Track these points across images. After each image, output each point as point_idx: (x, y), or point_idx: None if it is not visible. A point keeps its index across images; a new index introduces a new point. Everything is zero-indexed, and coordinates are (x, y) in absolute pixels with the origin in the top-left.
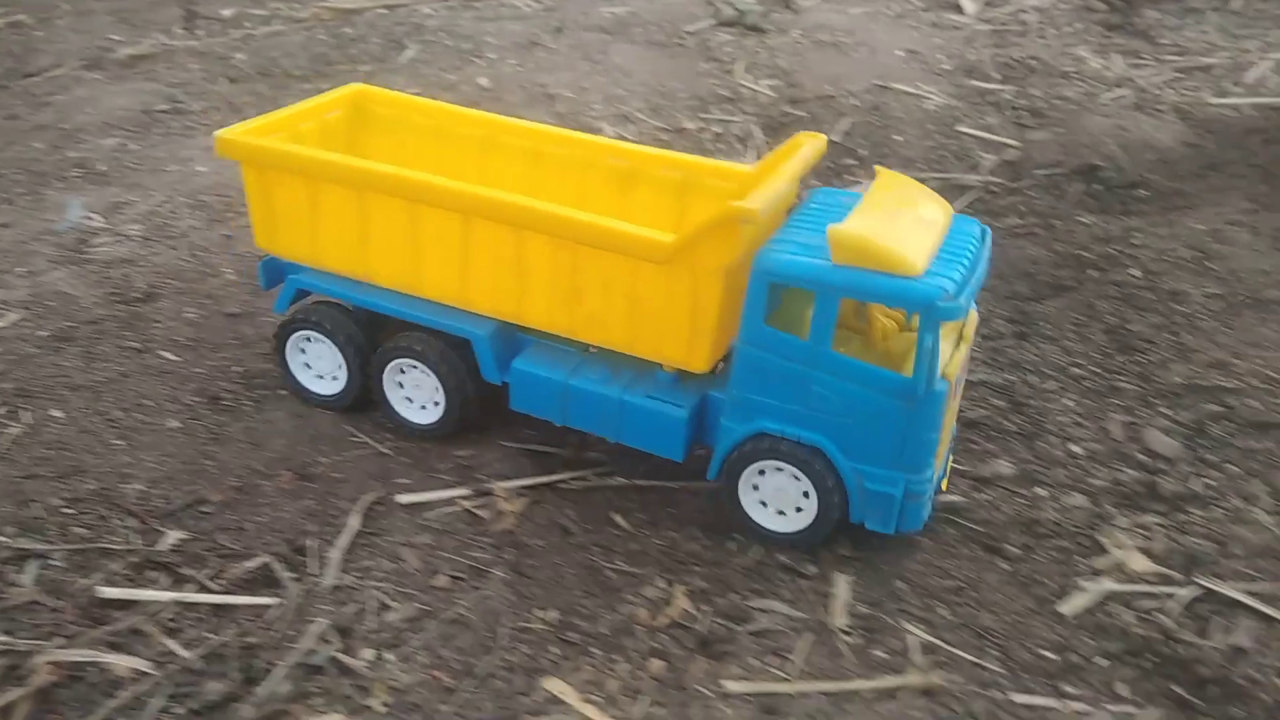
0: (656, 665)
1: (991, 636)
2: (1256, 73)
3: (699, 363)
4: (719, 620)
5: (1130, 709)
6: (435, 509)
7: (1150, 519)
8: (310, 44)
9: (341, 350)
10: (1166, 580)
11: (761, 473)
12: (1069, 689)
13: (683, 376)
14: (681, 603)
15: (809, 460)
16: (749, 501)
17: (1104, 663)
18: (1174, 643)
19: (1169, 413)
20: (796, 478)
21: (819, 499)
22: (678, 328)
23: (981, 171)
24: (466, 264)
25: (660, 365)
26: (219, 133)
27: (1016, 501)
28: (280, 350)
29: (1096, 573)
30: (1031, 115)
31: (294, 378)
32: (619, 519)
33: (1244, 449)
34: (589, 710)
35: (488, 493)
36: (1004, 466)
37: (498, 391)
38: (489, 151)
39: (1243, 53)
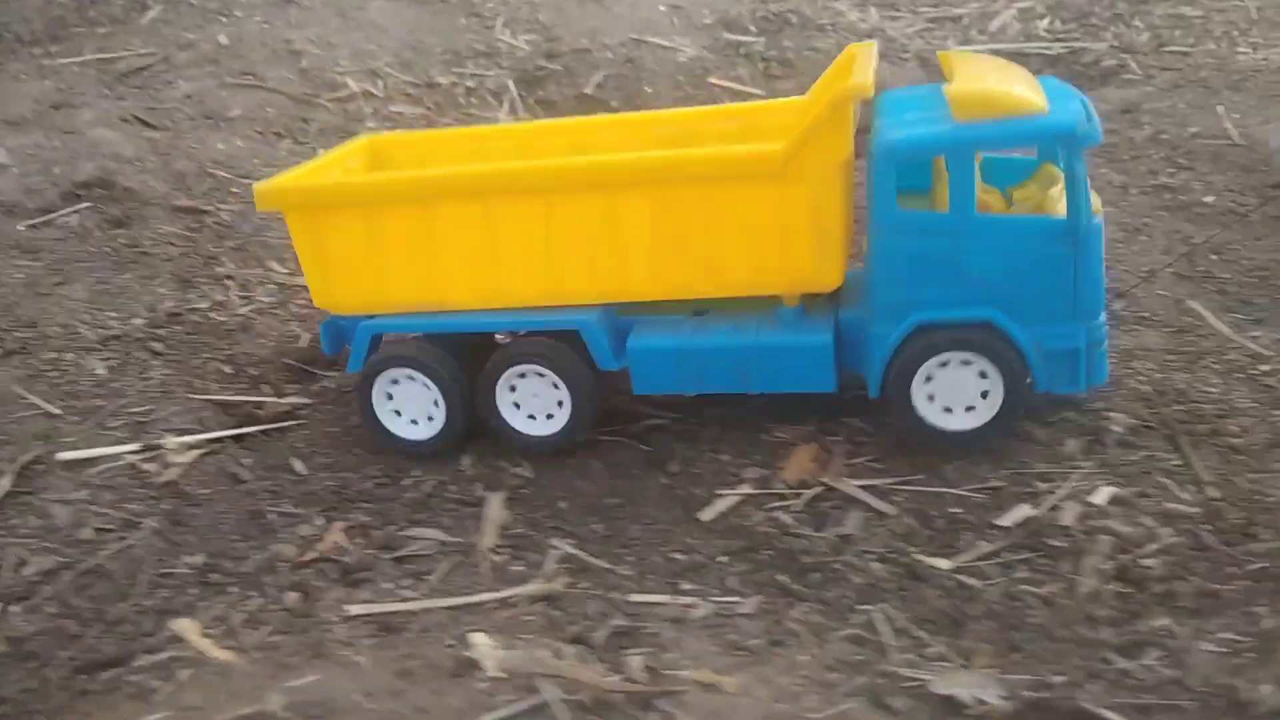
0: (292, 597)
1: (634, 545)
2: (999, 21)
3: (832, 277)
4: (369, 551)
5: (735, 598)
6: (99, 465)
7: (809, 427)
8: (48, 7)
9: (438, 382)
10: (801, 483)
11: (929, 377)
12: (686, 585)
13: (807, 306)
14: (335, 538)
15: (983, 339)
16: (926, 410)
17: (724, 560)
18: (789, 537)
19: None
20: (970, 363)
21: (1003, 378)
22: (803, 245)
23: None
24: (553, 252)
25: (780, 301)
26: (258, 186)
27: (688, 422)
28: (366, 402)
29: (741, 481)
30: (781, 66)
31: (385, 430)
32: (298, 464)
33: None
34: (205, 644)
35: (159, 447)
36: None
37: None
38: (528, 157)
39: (992, 2)
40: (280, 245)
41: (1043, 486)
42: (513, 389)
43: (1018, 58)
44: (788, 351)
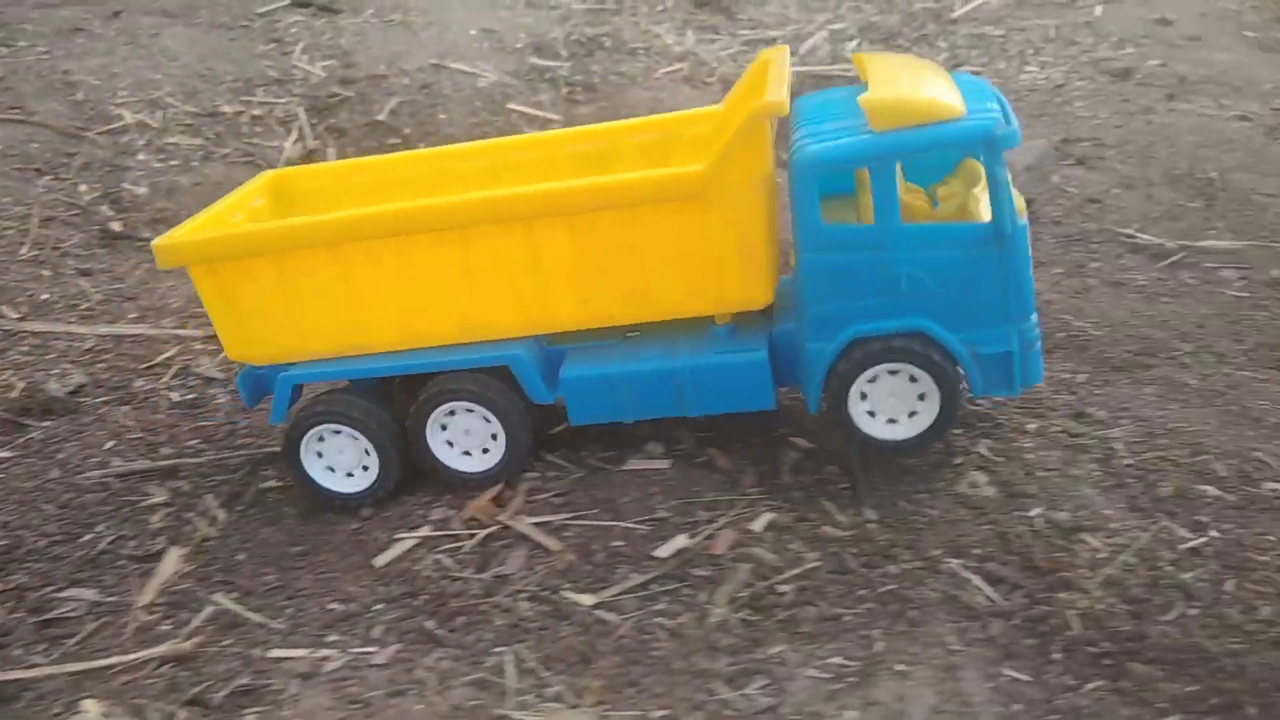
0: None
1: (299, 596)
2: (811, 43)
3: (762, 295)
4: (17, 615)
5: (372, 648)
6: None
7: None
8: None
9: (369, 434)
10: (477, 522)
11: (871, 381)
12: (332, 637)
13: (739, 325)
14: None
15: (917, 349)
16: (863, 420)
17: (379, 607)
18: (447, 580)
19: None
20: (909, 376)
21: (939, 386)
22: (729, 265)
23: None
24: (475, 287)
25: (713, 321)
26: (156, 242)
27: None
28: (294, 459)
29: (425, 523)
30: (584, 91)
31: (317, 485)
32: None
33: None
34: None
35: None
36: None
37: None
38: (441, 184)
39: (808, 24)
40: (15, 289)
41: (705, 516)
42: (443, 428)
43: (821, 80)
44: (725, 372)
